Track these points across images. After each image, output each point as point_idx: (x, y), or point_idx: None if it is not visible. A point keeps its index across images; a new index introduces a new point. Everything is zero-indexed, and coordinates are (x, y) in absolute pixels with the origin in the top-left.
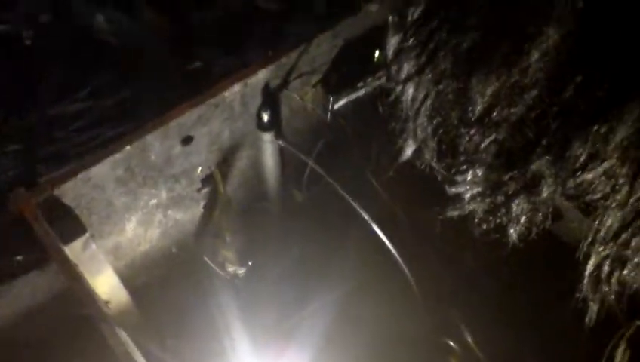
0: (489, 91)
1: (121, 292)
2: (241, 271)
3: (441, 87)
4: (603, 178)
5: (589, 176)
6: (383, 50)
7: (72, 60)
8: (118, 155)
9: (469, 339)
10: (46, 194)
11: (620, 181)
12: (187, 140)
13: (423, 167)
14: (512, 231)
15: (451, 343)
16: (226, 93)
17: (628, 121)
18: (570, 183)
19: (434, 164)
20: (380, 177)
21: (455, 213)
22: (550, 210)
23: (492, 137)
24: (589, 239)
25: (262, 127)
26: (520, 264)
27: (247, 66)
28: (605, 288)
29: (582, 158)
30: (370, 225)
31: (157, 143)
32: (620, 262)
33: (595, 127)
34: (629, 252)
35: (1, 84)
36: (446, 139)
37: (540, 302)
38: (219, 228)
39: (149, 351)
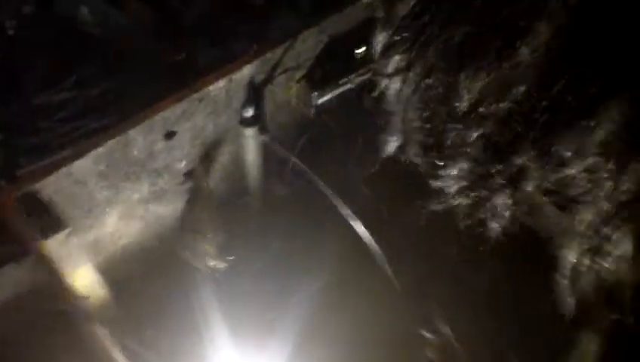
0: (478, 85)
1: (100, 287)
2: (222, 265)
3: (430, 81)
4: (585, 174)
5: (572, 170)
6: (369, 45)
7: (56, 52)
8: (100, 150)
9: (448, 332)
10: (26, 188)
11: (604, 175)
12: (170, 135)
13: (406, 161)
14: (495, 225)
15: (430, 335)
16: (211, 88)
17: (615, 116)
18: (552, 178)
19: (417, 159)
20: (363, 172)
21: (439, 207)
22: (530, 204)
23: (480, 131)
24: (568, 234)
25: (245, 122)
26: (503, 258)
27: (232, 58)
28: (583, 281)
29: (567, 153)
30: (352, 220)
31: (140, 138)
32: (600, 255)
33: (583, 122)
34: (609, 246)
35: None
36: (433, 133)
37: (520, 296)
38: (200, 222)
39: (126, 345)
